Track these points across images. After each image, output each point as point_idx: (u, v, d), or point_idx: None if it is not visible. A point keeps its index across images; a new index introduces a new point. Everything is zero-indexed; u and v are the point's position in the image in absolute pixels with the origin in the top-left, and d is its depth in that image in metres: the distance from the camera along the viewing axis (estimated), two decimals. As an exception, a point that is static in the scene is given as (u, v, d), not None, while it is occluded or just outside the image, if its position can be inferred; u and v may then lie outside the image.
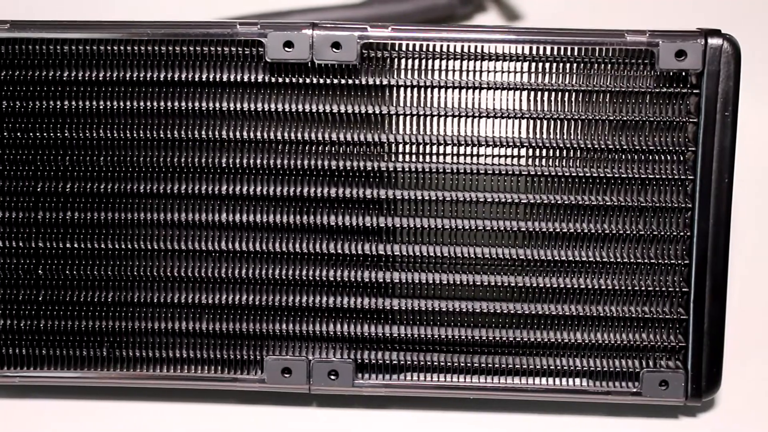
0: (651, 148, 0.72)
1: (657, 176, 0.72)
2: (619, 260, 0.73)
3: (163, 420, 0.75)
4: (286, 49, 0.71)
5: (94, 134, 0.72)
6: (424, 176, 0.73)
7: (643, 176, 0.72)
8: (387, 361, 0.74)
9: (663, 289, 0.73)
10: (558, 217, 0.73)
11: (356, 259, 0.73)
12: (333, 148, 0.73)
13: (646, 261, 0.72)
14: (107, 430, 0.74)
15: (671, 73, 0.71)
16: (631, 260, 0.72)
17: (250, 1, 1.00)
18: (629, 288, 0.73)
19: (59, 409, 0.76)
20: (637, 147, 0.72)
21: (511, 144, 0.72)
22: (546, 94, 0.72)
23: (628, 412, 0.75)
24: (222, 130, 0.72)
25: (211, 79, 0.72)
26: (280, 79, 0.72)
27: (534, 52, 0.72)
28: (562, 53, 0.72)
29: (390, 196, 0.73)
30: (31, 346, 0.74)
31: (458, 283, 0.73)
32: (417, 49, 0.72)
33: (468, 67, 0.72)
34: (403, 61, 0.72)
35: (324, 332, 0.74)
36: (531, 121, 0.72)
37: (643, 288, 0.73)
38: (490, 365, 0.73)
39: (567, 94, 0.72)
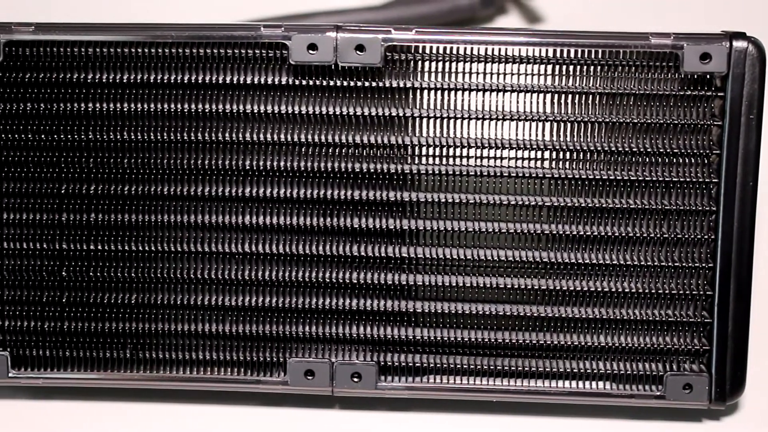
0: (675, 151, 0.72)
1: (681, 179, 0.72)
2: (643, 263, 0.72)
3: (186, 422, 0.75)
4: (310, 51, 0.71)
5: (119, 136, 0.72)
6: (448, 179, 0.73)
7: (667, 179, 0.72)
8: (410, 364, 0.74)
9: (687, 292, 0.72)
10: (582, 220, 0.73)
11: (379, 262, 0.73)
12: (356, 151, 0.73)
13: (670, 264, 0.72)
14: (131, 432, 0.75)
15: (696, 76, 0.71)
16: (655, 263, 0.72)
17: (270, 3, 1.00)
18: (653, 291, 0.72)
19: (83, 410, 0.76)
20: (661, 150, 0.72)
21: (534, 147, 0.72)
22: (570, 96, 0.72)
23: (651, 416, 0.74)
24: (246, 132, 0.72)
25: (234, 82, 0.72)
26: (304, 82, 0.72)
27: (558, 54, 0.72)
28: (586, 56, 0.71)
29: (413, 198, 0.73)
30: (55, 347, 0.74)
31: (481, 285, 0.73)
32: (440, 51, 0.72)
33: (491, 69, 0.72)
34: (426, 63, 0.72)
35: (347, 334, 0.74)
36: (555, 124, 0.72)
37: (667, 291, 0.72)
38: (513, 368, 0.73)
39: (591, 96, 0.72)
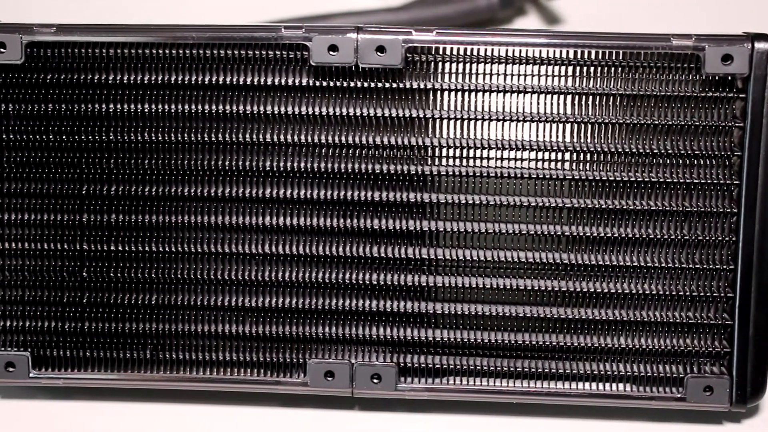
0: (696, 152, 0.71)
1: (702, 181, 0.71)
2: (663, 265, 0.72)
3: (205, 423, 0.75)
4: (331, 52, 0.71)
5: (140, 137, 0.73)
6: (467, 180, 0.73)
7: (688, 181, 0.72)
8: (430, 365, 0.74)
9: (708, 294, 0.72)
10: (602, 222, 0.72)
11: (399, 263, 0.73)
12: (376, 152, 0.73)
13: (691, 266, 0.72)
14: (150, 432, 0.75)
15: (717, 78, 0.71)
16: (676, 265, 0.72)
17: (288, 4, 1.00)
18: (674, 293, 0.72)
19: (103, 410, 0.76)
20: (682, 152, 0.71)
21: (554, 148, 0.72)
22: (590, 98, 0.72)
23: (672, 418, 0.74)
24: (267, 133, 0.72)
25: (255, 83, 0.72)
26: (325, 83, 0.72)
27: (579, 56, 0.71)
28: (606, 57, 0.71)
29: (433, 199, 0.73)
30: (75, 348, 0.74)
31: (502, 287, 0.73)
32: (460, 53, 0.72)
33: (512, 71, 0.72)
34: (446, 64, 0.72)
35: (367, 336, 0.74)
36: (575, 126, 0.72)
37: (687, 293, 0.72)
38: (533, 369, 0.73)
39: (611, 98, 0.72)
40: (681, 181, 0.72)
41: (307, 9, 0.98)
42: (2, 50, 0.72)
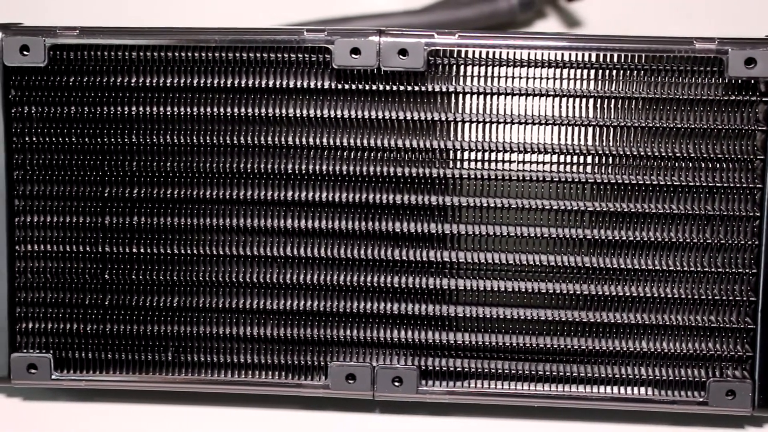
0: (719, 156, 0.71)
1: (725, 184, 0.71)
2: (686, 269, 0.72)
3: (227, 425, 0.75)
4: (353, 55, 0.71)
5: (161, 140, 0.73)
6: (489, 183, 0.73)
7: (710, 185, 0.71)
8: (451, 368, 0.73)
9: (730, 298, 0.72)
10: (624, 226, 0.72)
11: (421, 266, 0.73)
12: (399, 155, 0.73)
13: (713, 270, 0.72)
14: (172, 435, 0.75)
15: (740, 81, 0.70)
16: (698, 269, 0.72)
17: (309, 7, 1.00)
18: (696, 297, 0.72)
19: (124, 412, 0.76)
20: (704, 155, 0.71)
21: (576, 152, 0.72)
22: (612, 101, 0.72)
23: (693, 422, 0.74)
24: (288, 136, 0.72)
25: (277, 86, 0.72)
26: (347, 86, 0.72)
27: (601, 59, 0.71)
28: (629, 61, 0.71)
29: (455, 203, 0.73)
30: (97, 350, 0.75)
31: (523, 290, 0.73)
32: (482, 56, 0.72)
33: (533, 74, 0.72)
34: (468, 67, 0.72)
35: (388, 338, 0.74)
36: (597, 129, 0.72)
37: (710, 297, 0.72)
38: (554, 373, 0.73)
39: (633, 101, 0.72)
40: (703, 184, 0.71)
41: (326, 12, 0.98)
42: (26, 53, 0.72)
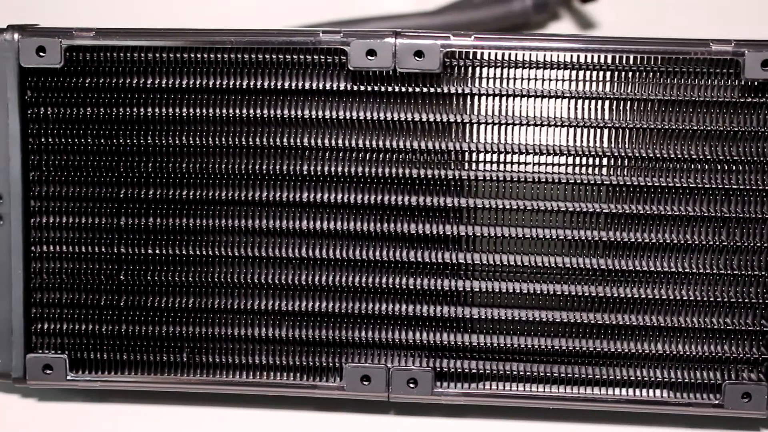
0: (735, 158, 0.71)
1: (741, 187, 0.71)
2: (701, 271, 0.72)
3: (241, 426, 0.75)
4: (369, 57, 0.71)
5: (177, 141, 0.73)
6: (504, 185, 0.73)
7: (726, 187, 0.71)
8: (466, 370, 0.73)
9: (746, 300, 0.72)
10: (639, 228, 0.72)
11: (436, 268, 0.73)
12: (413, 156, 0.73)
13: (729, 272, 0.72)
14: (187, 435, 0.75)
15: (757, 83, 0.70)
16: (714, 271, 0.72)
17: (323, 9, 1.00)
18: (712, 299, 0.72)
19: (139, 413, 0.76)
20: (720, 157, 0.71)
21: (591, 153, 0.72)
22: (628, 103, 0.72)
23: (709, 425, 0.74)
24: (304, 137, 0.73)
25: (293, 87, 0.72)
26: (362, 87, 0.72)
27: (616, 60, 0.71)
28: (644, 62, 0.71)
29: (470, 204, 0.73)
30: (112, 350, 0.75)
31: (538, 292, 0.73)
32: (497, 57, 0.72)
33: (549, 76, 0.72)
34: (484, 69, 0.72)
35: (404, 340, 0.74)
36: (612, 131, 0.72)
37: (725, 299, 0.72)
38: (569, 375, 0.73)
39: (649, 103, 0.72)
40: (719, 186, 0.71)
41: (339, 13, 0.98)
42: (42, 54, 0.72)
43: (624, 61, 0.71)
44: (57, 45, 0.72)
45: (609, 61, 0.71)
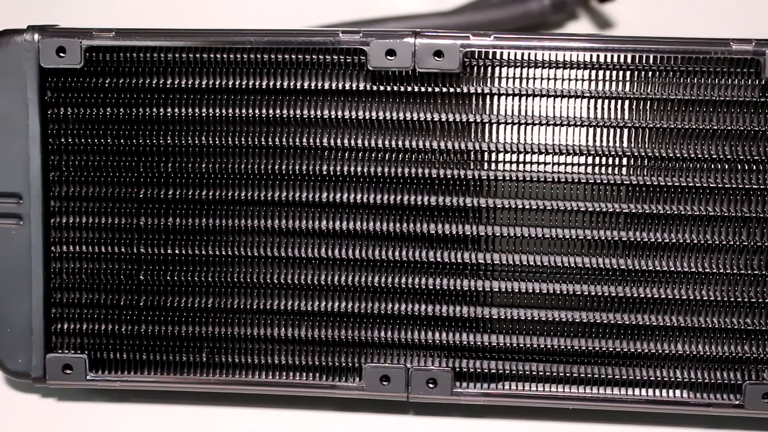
0: (756, 158, 0.71)
1: (761, 186, 0.71)
2: (721, 271, 0.72)
3: (260, 426, 0.75)
4: (389, 57, 0.71)
5: (197, 141, 0.73)
6: (524, 185, 0.73)
7: (746, 186, 0.71)
8: (486, 370, 0.73)
9: (767, 300, 0.72)
10: (659, 227, 0.72)
11: (455, 268, 0.73)
12: (433, 156, 0.73)
13: (749, 272, 0.72)
14: (206, 435, 0.75)
15: (777, 83, 0.70)
16: (734, 271, 0.72)
17: (340, 9, 1.00)
18: (732, 299, 0.72)
19: (159, 413, 0.76)
20: (740, 157, 0.71)
21: (611, 153, 0.72)
22: (647, 103, 0.72)
23: (729, 425, 0.74)
24: (323, 137, 0.73)
25: (312, 87, 0.72)
26: (382, 87, 0.72)
27: (636, 60, 0.71)
28: (664, 62, 0.71)
29: (489, 204, 0.72)
30: (132, 350, 0.75)
31: (558, 292, 0.73)
32: (517, 57, 0.72)
33: (569, 75, 0.72)
34: (503, 69, 0.72)
35: (423, 340, 0.74)
36: (632, 131, 0.72)
37: (746, 299, 0.72)
38: (589, 375, 0.73)
39: (669, 103, 0.71)
40: (740, 186, 0.71)
41: (357, 14, 0.98)
42: (62, 54, 0.72)
43: (643, 61, 0.71)
44: (77, 45, 0.72)
45: (628, 60, 0.71)
